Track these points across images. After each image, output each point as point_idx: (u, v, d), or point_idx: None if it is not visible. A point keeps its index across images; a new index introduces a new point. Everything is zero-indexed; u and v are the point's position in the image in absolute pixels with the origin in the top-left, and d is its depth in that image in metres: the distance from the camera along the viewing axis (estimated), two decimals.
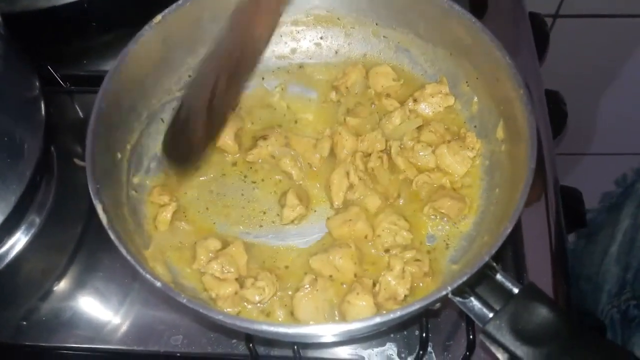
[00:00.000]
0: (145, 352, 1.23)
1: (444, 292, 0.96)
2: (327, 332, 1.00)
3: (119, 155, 1.22)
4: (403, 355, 1.21)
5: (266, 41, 1.26)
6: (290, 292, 1.16)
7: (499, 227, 1.04)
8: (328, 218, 1.25)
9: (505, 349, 0.95)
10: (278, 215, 1.26)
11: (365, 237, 1.22)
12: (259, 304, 1.15)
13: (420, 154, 1.28)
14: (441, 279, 1.17)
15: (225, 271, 1.15)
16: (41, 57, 1.46)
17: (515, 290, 1.00)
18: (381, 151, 1.31)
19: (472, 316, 1.00)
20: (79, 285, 1.31)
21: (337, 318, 1.13)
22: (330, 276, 1.17)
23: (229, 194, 1.29)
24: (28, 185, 1.22)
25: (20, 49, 1.26)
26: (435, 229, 1.24)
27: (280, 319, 1.14)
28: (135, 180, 1.26)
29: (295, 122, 1.38)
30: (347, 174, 1.26)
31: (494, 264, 1.01)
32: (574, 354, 0.94)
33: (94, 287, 1.30)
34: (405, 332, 1.22)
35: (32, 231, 1.33)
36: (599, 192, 1.94)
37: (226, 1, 1.30)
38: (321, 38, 1.45)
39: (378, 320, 0.94)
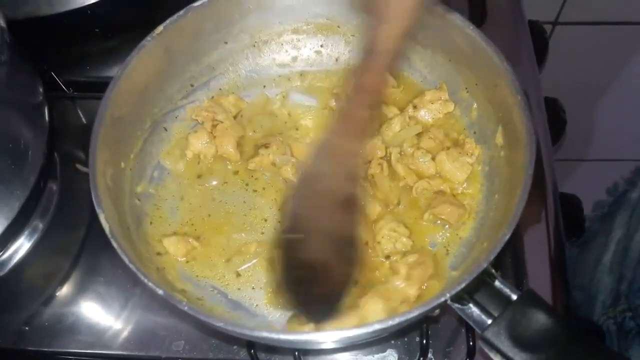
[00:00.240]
0: (146, 357, 1.24)
1: (442, 299, 0.96)
2: (327, 339, 1.01)
3: (122, 164, 1.23)
4: None
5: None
6: None
7: (497, 233, 1.04)
8: None
9: (503, 355, 0.95)
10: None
11: (366, 243, 1.22)
12: None
13: (420, 160, 1.29)
14: (443, 284, 1.18)
15: None
16: (45, 63, 1.48)
17: (514, 297, 1.00)
18: (381, 158, 1.31)
19: (470, 323, 1.00)
20: (81, 290, 1.31)
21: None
22: None
23: (230, 202, 1.30)
24: (32, 191, 1.23)
25: (24, 55, 1.26)
26: (436, 236, 1.25)
27: None
28: (139, 189, 1.27)
29: (297, 129, 1.38)
30: None
31: (493, 271, 1.02)
32: None
33: (96, 292, 1.31)
34: (405, 339, 1.23)
35: (35, 236, 1.33)
36: (597, 198, 1.94)
37: (227, 11, 1.33)
38: (322, 46, 1.46)
39: (377, 327, 0.94)
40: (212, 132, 1.33)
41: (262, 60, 1.45)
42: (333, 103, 1.39)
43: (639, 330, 1.58)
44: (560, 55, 2.02)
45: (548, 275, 1.30)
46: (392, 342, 1.22)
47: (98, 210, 1.04)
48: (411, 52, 1.39)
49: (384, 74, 1.05)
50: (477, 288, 1.01)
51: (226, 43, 1.39)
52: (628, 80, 2.36)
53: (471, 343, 1.18)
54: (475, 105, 1.32)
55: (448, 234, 1.24)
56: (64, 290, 1.31)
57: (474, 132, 1.33)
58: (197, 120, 1.36)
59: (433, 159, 1.29)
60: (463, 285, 0.96)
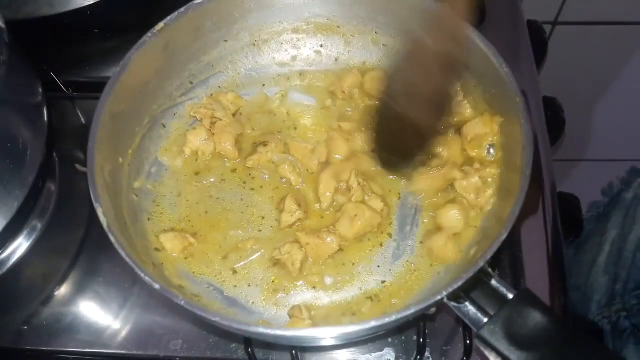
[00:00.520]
0: (144, 356, 1.24)
1: (439, 297, 0.96)
2: (324, 334, 1.01)
3: (121, 160, 1.23)
4: None
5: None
6: None
7: (494, 233, 1.04)
8: (333, 226, 1.25)
9: (499, 353, 0.95)
10: (277, 220, 1.27)
11: (379, 225, 1.25)
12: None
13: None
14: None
15: None
16: (44, 63, 1.48)
17: (510, 296, 1.00)
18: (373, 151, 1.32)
19: (467, 321, 1.00)
20: (80, 290, 1.31)
21: None
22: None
23: (228, 199, 1.30)
24: (30, 191, 1.23)
25: (23, 56, 1.26)
26: None
27: None
28: (136, 184, 1.27)
29: (295, 128, 1.38)
30: (337, 175, 1.28)
31: (489, 270, 1.02)
32: (566, 358, 0.95)
33: (94, 291, 1.31)
34: (403, 337, 1.23)
35: (34, 236, 1.33)
36: (595, 198, 1.94)
37: (227, 10, 1.33)
38: (321, 46, 1.46)
39: (374, 324, 0.94)
40: (210, 130, 1.33)
41: (261, 59, 1.45)
42: (328, 102, 1.40)
43: (634, 329, 1.58)
44: (560, 55, 2.02)
45: (546, 274, 1.30)
46: (390, 340, 1.22)
47: (96, 205, 1.05)
48: None
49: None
50: (473, 287, 1.01)
51: (226, 41, 1.39)
52: (628, 80, 2.36)
53: (468, 342, 1.18)
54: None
55: None
56: (63, 290, 1.32)
57: None
58: (195, 117, 1.36)
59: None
60: (460, 283, 0.96)
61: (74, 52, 1.62)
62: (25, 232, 1.33)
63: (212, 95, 1.40)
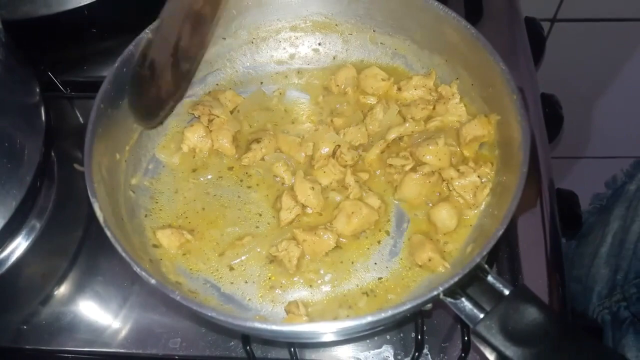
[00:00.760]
0: (143, 355, 1.24)
1: (435, 293, 0.96)
2: (320, 329, 1.01)
3: (118, 156, 1.23)
4: (399, 357, 1.22)
5: None
6: None
7: (491, 229, 1.04)
8: (330, 223, 1.25)
9: (495, 349, 0.95)
10: (274, 217, 1.27)
11: (376, 222, 1.25)
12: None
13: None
14: None
15: None
16: (42, 63, 1.49)
17: (506, 292, 1.00)
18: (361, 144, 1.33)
19: (463, 317, 1.00)
20: (79, 289, 1.32)
21: None
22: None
23: (225, 196, 1.30)
24: (28, 190, 1.23)
25: (21, 56, 1.27)
26: None
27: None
28: (134, 181, 1.28)
29: (292, 122, 1.39)
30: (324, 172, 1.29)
31: (486, 266, 1.02)
32: (563, 354, 0.95)
33: (93, 291, 1.31)
34: (401, 334, 1.23)
35: (33, 236, 1.34)
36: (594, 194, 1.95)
37: (226, 7, 1.32)
38: (319, 44, 1.46)
39: (370, 319, 0.95)
40: (208, 127, 1.33)
41: (259, 57, 1.45)
42: (320, 98, 1.40)
43: (634, 319, 1.58)
44: (559, 52, 2.02)
45: (544, 271, 1.30)
46: (388, 337, 1.23)
47: (92, 200, 1.05)
48: (408, 52, 1.40)
49: None
50: (469, 283, 1.01)
51: (224, 39, 1.40)
52: (628, 77, 2.36)
53: (466, 338, 1.18)
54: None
55: None
56: (62, 290, 1.32)
57: None
58: (193, 114, 1.36)
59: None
60: (456, 279, 0.97)
61: (72, 52, 1.63)
62: (24, 232, 1.33)
63: (210, 92, 1.40)
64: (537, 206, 1.37)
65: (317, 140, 1.32)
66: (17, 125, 1.23)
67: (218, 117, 1.34)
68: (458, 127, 1.30)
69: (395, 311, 0.95)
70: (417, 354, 1.18)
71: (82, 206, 1.39)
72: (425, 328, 1.19)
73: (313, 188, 1.26)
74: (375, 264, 1.22)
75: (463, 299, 1.01)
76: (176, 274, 1.20)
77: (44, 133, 1.29)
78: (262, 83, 1.44)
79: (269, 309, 1.18)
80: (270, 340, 1.23)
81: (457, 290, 1.00)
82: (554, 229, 1.36)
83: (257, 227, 1.27)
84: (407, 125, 1.31)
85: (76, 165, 1.40)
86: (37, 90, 1.31)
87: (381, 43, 1.42)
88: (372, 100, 1.38)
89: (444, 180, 1.26)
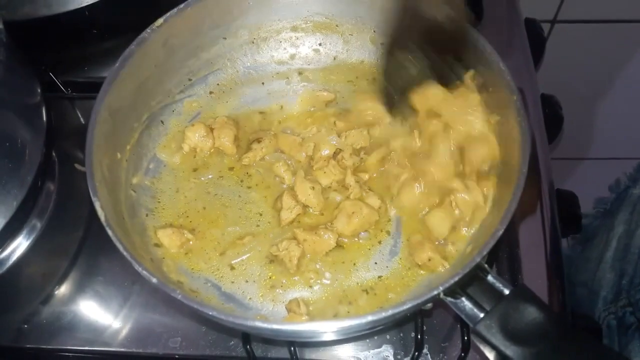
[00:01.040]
0: (143, 354, 1.24)
1: (435, 292, 0.96)
2: (321, 328, 1.01)
3: (119, 155, 1.23)
4: (399, 356, 1.22)
5: None
6: None
7: (491, 229, 1.04)
8: (331, 223, 1.25)
9: (495, 348, 0.95)
10: (274, 217, 1.27)
11: (376, 222, 1.25)
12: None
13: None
14: None
15: None
16: (43, 63, 1.49)
17: (506, 291, 1.00)
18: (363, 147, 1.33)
19: (463, 316, 1.00)
20: (80, 289, 1.32)
21: None
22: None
23: (226, 195, 1.30)
24: (29, 190, 1.23)
25: (22, 56, 1.27)
26: None
27: None
28: (135, 180, 1.28)
29: (292, 122, 1.39)
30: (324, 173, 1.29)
31: (486, 266, 1.02)
32: (562, 354, 0.95)
33: (94, 290, 1.31)
34: (401, 334, 1.23)
35: (34, 235, 1.34)
36: (597, 197, 1.94)
37: (227, 7, 1.33)
38: (320, 44, 1.46)
39: (370, 318, 0.95)
40: (210, 126, 1.34)
41: (260, 57, 1.45)
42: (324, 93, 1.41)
43: (639, 325, 1.58)
44: (560, 53, 2.02)
45: (544, 272, 1.30)
46: (388, 337, 1.23)
47: (94, 198, 1.05)
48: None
49: None
50: (469, 282, 1.01)
51: (225, 39, 1.40)
52: (629, 79, 2.36)
53: (466, 338, 1.18)
54: None
55: None
56: (63, 289, 1.32)
57: None
58: (194, 114, 1.37)
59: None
60: (456, 278, 0.97)
61: (73, 52, 1.62)
62: (24, 231, 1.33)
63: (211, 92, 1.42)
64: (537, 207, 1.37)
65: (318, 142, 1.33)
66: (19, 125, 1.23)
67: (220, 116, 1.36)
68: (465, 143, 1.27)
69: (396, 310, 0.95)
70: (416, 353, 1.18)
71: (82, 206, 1.39)
72: (425, 328, 1.19)
73: (313, 188, 1.26)
74: (376, 263, 1.22)
75: (463, 299, 1.01)
76: (178, 273, 1.20)
77: (45, 133, 1.29)
78: (263, 83, 1.44)
79: (269, 308, 1.18)
80: (271, 340, 1.23)
81: (457, 289, 1.00)
82: (554, 230, 1.36)
83: (258, 226, 1.27)
84: (415, 138, 1.30)
85: (77, 166, 1.41)
86: (39, 90, 1.31)
87: (381, 43, 1.41)
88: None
89: (445, 192, 1.24)
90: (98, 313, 1.29)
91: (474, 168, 1.23)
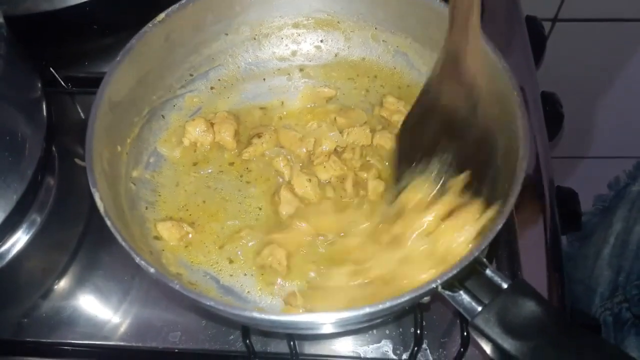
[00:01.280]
0: (143, 348, 1.25)
1: (433, 285, 0.96)
2: (318, 320, 1.01)
3: (119, 148, 1.23)
4: (398, 351, 1.22)
5: None
6: None
7: (489, 224, 1.04)
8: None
9: (493, 342, 0.95)
10: (274, 212, 1.27)
11: None
12: None
13: None
14: None
15: None
16: (43, 58, 1.50)
17: (505, 285, 1.00)
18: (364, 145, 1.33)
19: (461, 310, 1.00)
20: (80, 283, 1.32)
21: None
22: None
23: (225, 189, 1.30)
24: (29, 185, 1.23)
25: (22, 51, 1.27)
26: None
27: None
28: (135, 174, 1.27)
29: (293, 118, 1.40)
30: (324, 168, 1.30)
31: (484, 260, 1.02)
32: (560, 348, 0.94)
33: (94, 285, 1.32)
34: (400, 329, 1.23)
35: (33, 230, 1.34)
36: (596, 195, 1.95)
37: (228, 3, 1.33)
38: (321, 41, 1.46)
39: (368, 310, 0.94)
40: (210, 121, 1.34)
41: (261, 53, 1.45)
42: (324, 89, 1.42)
43: (635, 320, 1.58)
44: (561, 51, 2.02)
45: (544, 268, 1.30)
46: (387, 332, 1.23)
47: (93, 190, 1.04)
48: (410, 49, 1.40)
49: None
50: (468, 276, 1.01)
51: (227, 35, 1.40)
52: (630, 78, 2.37)
53: (465, 333, 1.18)
54: None
55: None
56: (62, 284, 1.32)
57: None
58: (195, 109, 1.38)
59: None
60: (454, 272, 0.96)
61: (73, 47, 1.63)
62: (24, 226, 1.33)
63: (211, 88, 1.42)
64: (537, 204, 1.37)
65: (318, 137, 1.33)
66: (19, 120, 1.24)
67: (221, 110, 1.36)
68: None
69: (394, 302, 0.95)
70: (416, 348, 1.18)
71: (82, 201, 1.39)
72: (424, 323, 1.19)
73: (310, 180, 1.26)
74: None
75: (461, 292, 1.00)
76: (177, 266, 1.20)
77: (45, 128, 1.29)
78: (264, 79, 1.44)
79: (267, 301, 1.18)
80: (270, 333, 1.23)
81: (455, 283, 1.00)
82: (554, 227, 1.36)
83: (257, 220, 1.27)
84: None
85: (77, 160, 1.41)
86: (39, 85, 1.31)
87: (383, 41, 1.42)
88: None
89: None
90: (98, 307, 1.29)
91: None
